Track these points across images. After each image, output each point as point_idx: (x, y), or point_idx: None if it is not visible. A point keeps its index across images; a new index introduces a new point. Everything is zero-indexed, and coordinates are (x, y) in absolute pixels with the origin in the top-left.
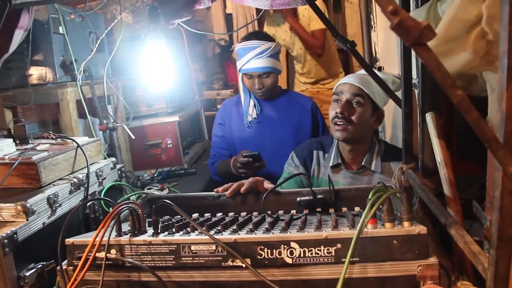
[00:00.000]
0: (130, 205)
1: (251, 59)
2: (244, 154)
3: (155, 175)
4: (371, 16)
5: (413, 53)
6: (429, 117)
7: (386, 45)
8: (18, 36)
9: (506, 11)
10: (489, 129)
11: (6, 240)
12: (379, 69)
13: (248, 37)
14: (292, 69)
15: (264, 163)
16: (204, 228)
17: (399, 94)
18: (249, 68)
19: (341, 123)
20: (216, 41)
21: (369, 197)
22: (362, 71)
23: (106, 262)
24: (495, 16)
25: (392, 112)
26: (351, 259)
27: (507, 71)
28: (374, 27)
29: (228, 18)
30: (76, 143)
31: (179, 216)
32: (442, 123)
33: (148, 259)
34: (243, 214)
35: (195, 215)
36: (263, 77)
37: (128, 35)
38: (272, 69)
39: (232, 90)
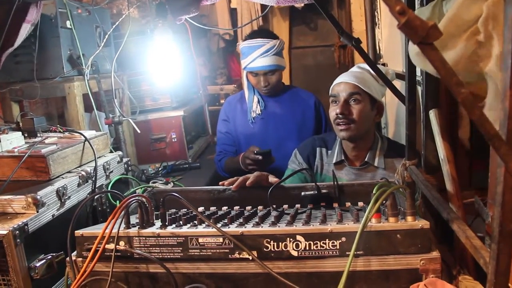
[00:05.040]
0: (138, 198)
1: (256, 58)
2: (256, 151)
3: (160, 169)
4: (376, 13)
5: None
6: (432, 114)
7: (390, 42)
8: (24, 30)
9: (510, 12)
10: (492, 126)
11: (17, 231)
12: (383, 65)
13: (253, 35)
14: (295, 65)
15: (274, 159)
16: (211, 221)
17: (402, 90)
18: (255, 67)
19: (343, 123)
20: (220, 35)
21: (374, 192)
22: (355, 68)
23: (115, 254)
24: (493, 16)
25: (395, 108)
26: (355, 253)
27: (511, 71)
28: (379, 24)
29: (233, 12)
30: (84, 136)
31: (185, 210)
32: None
33: (156, 251)
34: (249, 208)
35: (201, 209)
36: (268, 74)
37: (134, 30)
38: (277, 67)
39: (235, 85)
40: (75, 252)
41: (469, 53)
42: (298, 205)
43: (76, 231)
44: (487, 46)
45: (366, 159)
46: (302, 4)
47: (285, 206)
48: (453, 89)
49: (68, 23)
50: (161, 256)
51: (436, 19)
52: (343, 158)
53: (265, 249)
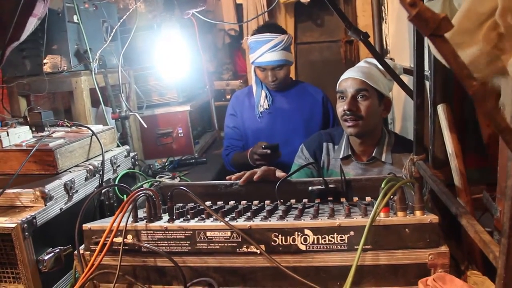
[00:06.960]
0: (146, 192)
1: (264, 52)
2: (263, 146)
3: (166, 164)
4: (382, 8)
5: (425, 45)
6: (440, 108)
7: (397, 37)
8: (31, 25)
9: None
10: (503, 120)
11: (25, 225)
12: (390, 60)
13: (261, 30)
14: (301, 60)
15: (280, 153)
16: (219, 215)
17: (410, 85)
18: (263, 62)
19: (350, 119)
20: (226, 31)
21: (382, 186)
22: (362, 63)
23: (123, 247)
24: (509, 9)
25: (402, 104)
26: (363, 247)
27: None
28: (385, 19)
29: (239, 8)
30: (92, 130)
31: (193, 204)
32: (454, 115)
33: (164, 244)
34: (256, 202)
35: (208, 203)
36: (276, 69)
37: (141, 25)
38: (285, 62)
39: (241, 81)
40: (83, 246)
41: (489, 48)
42: (305, 200)
43: (84, 225)
44: (509, 39)
45: (373, 154)
46: None
47: (293, 201)
48: (464, 82)
49: (75, 18)
50: (168, 250)
51: (447, 13)
52: (350, 153)
53: (273, 243)
